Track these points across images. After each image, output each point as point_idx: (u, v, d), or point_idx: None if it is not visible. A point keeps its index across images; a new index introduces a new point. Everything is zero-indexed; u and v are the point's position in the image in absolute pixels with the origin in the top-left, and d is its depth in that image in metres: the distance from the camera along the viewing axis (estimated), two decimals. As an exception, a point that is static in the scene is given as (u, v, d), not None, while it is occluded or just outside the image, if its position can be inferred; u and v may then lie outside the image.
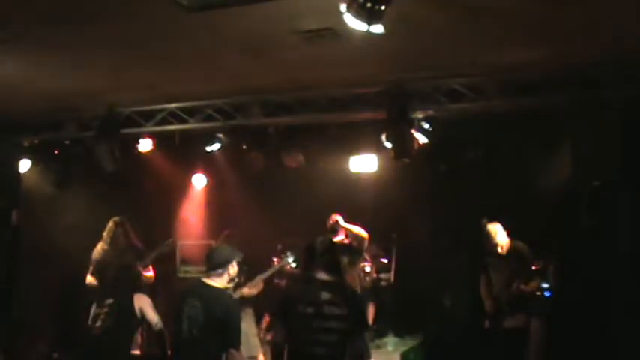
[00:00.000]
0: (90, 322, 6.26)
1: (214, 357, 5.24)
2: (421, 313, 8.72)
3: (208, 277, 5.44)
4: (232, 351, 5.20)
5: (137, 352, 7.87)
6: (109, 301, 6.21)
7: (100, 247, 8.16)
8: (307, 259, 5.10)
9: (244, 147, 9.03)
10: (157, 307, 6.40)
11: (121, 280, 6.43)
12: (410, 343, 8.36)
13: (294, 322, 4.89)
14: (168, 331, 6.00)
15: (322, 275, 4.96)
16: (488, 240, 7.32)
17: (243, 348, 5.44)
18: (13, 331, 8.60)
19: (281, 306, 5.11)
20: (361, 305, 4.95)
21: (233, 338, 5.24)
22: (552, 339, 5.91)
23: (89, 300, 7.03)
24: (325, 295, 4.87)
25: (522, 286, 7.07)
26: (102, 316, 6.14)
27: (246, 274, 7.93)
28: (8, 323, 8.64)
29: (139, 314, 6.22)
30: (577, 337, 7.01)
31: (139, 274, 7.47)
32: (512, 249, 7.27)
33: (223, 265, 5.44)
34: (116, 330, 6.11)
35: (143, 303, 6.27)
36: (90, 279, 8.08)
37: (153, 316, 6.28)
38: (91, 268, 8.14)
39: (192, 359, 5.25)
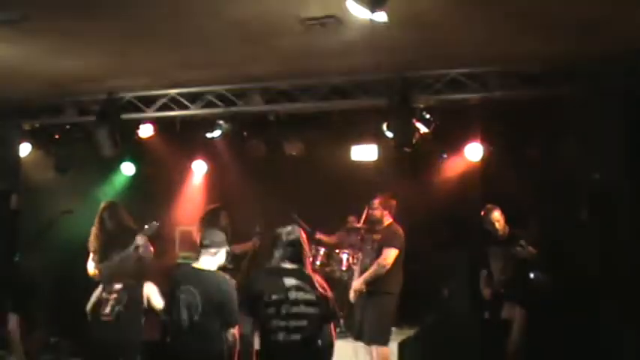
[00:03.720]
0: (93, 307, 6.20)
1: (216, 338, 5.32)
2: (419, 303, 8.73)
3: (199, 260, 5.52)
4: (230, 329, 5.34)
5: None
6: (118, 286, 6.18)
7: (93, 234, 7.97)
8: (272, 250, 5.10)
9: (245, 134, 9.02)
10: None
11: (127, 265, 6.40)
12: (407, 332, 8.37)
13: (262, 311, 4.85)
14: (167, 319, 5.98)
15: (286, 264, 4.98)
16: (490, 224, 7.33)
17: None
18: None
19: (246, 299, 5.10)
20: (327, 292, 4.96)
21: (231, 317, 5.34)
22: (538, 330, 5.91)
23: (94, 283, 7.02)
24: (291, 281, 4.88)
25: (530, 249, 6.96)
26: (111, 302, 6.11)
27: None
28: (6, 308, 8.64)
29: (145, 302, 6.23)
30: (566, 330, 7.04)
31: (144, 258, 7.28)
32: (511, 235, 7.29)
33: (218, 245, 5.53)
34: (126, 317, 6.11)
35: (151, 290, 6.28)
36: (93, 271, 7.84)
37: (159, 303, 6.33)
38: (92, 256, 7.94)
39: (194, 344, 5.29)
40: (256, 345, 5.08)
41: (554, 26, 5.87)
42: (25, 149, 9.10)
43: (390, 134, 7.53)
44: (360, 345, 7.48)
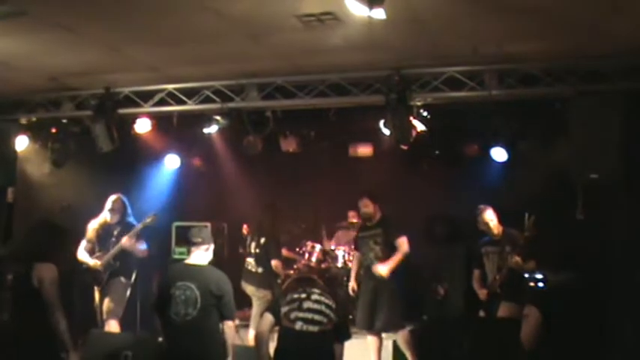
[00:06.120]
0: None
1: (213, 333, 5.39)
2: (416, 300, 8.73)
3: (190, 257, 5.62)
4: (228, 322, 5.44)
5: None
6: (9, 277, 4.86)
7: (98, 223, 7.95)
8: None
9: (241, 130, 8.99)
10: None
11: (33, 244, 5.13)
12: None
13: (284, 306, 5.02)
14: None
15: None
16: (484, 225, 7.33)
17: None
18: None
19: (274, 303, 5.25)
20: (348, 307, 5.14)
21: (228, 310, 5.44)
22: (546, 330, 5.90)
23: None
24: (316, 290, 5.08)
25: (517, 259, 6.97)
26: (5, 305, 4.84)
27: None
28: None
29: (36, 285, 4.82)
30: (570, 331, 7.02)
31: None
32: (505, 234, 7.29)
33: (209, 241, 5.67)
34: (26, 318, 4.85)
35: (45, 274, 4.84)
36: (93, 263, 7.78)
37: (51, 296, 4.86)
38: (85, 244, 7.94)
39: (193, 340, 5.30)
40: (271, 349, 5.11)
41: (554, 25, 5.86)
42: (21, 143, 9.08)
43: (387, 131, 7.53)
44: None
